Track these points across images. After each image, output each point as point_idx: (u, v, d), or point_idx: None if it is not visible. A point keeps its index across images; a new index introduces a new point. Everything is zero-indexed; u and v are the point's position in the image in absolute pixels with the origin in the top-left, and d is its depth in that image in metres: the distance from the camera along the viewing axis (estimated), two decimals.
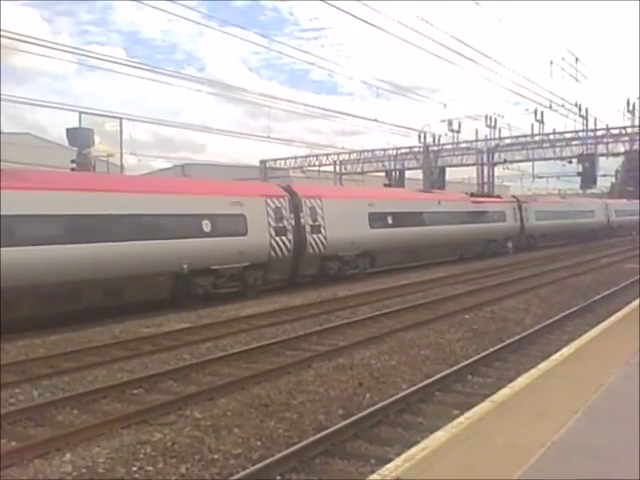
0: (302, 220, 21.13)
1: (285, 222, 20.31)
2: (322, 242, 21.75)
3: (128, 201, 16.19)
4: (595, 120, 45.19)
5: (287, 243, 20.30)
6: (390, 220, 25.49)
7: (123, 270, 15.52)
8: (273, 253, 19.77)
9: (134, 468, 6.46)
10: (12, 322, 13.27)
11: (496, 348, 11.48)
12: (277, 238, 19.93)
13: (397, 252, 25.94)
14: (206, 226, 17.73)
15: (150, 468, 6.47)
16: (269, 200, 20.09)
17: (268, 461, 6.42)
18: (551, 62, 36.56)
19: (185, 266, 16.90)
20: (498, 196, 39.38)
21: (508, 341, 12.06)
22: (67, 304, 15.01)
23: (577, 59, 37.84)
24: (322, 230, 21.80)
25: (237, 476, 6.08)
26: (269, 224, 19.72)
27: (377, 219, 24.70)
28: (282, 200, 20.58)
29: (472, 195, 35.85)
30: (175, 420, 8.05)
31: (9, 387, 9.63)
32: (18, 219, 13.78)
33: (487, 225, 33.17)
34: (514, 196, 39.95)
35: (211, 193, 19.01)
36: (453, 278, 23.70)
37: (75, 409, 8.66)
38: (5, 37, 20.28)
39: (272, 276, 20.25)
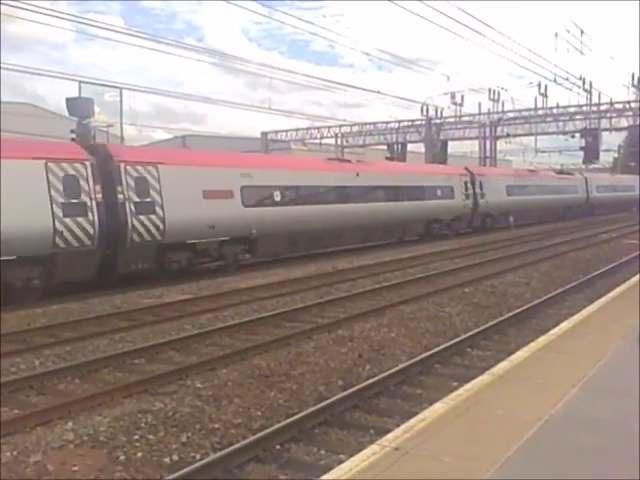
0: (471, 191, 32.12)
1: (469, 192, 31.92)
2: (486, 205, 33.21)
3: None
4: (599, 94, 44.87)
5: (469, 205, 31.86)
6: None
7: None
8: (464, 211, 31.26)
9: (135, 437, 6.52)
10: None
11: (495, 322, 11.53)
12: (467, 201, 31.79)
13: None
14: (439, 192, 29.62)
15: (151, 437, 6.53)
16: (462, 177, 31.63)
17: (268, 430, 6.49)
18: (556, 34, 36.19)
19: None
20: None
21: (507, 315, 12.10)
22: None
23: (582, 32, 37.45)
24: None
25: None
26: (462, 193, 31.30)
27: None
28: (467, 178, 32.05)
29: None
30: (176, 390, 8.12)
31: (10, 356, 9.70)
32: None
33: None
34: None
35: (436, 174, 31.20)
36: (454, 252, 23.73)
37: (76, 378, 8.73)
38: (2, 4, 19.96)
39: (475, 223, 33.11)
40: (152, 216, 16.50)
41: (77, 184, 15.01)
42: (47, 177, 14.48)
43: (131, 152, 18.35)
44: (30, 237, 13.84)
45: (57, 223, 14.40)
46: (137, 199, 16.29)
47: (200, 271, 17.99)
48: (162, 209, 16.70)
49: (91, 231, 15.05)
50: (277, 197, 20.50)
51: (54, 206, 14.42)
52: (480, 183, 33.16)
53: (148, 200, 16.53)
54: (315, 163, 25.43)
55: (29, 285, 14.16)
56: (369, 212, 24.40)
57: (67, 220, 14.58)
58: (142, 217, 16.25)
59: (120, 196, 15.95)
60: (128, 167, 16.31)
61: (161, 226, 16.64)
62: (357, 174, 24.61)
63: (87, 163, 15.42)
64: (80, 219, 14.84)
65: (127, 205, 16.02)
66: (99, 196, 15.39)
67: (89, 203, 15.15)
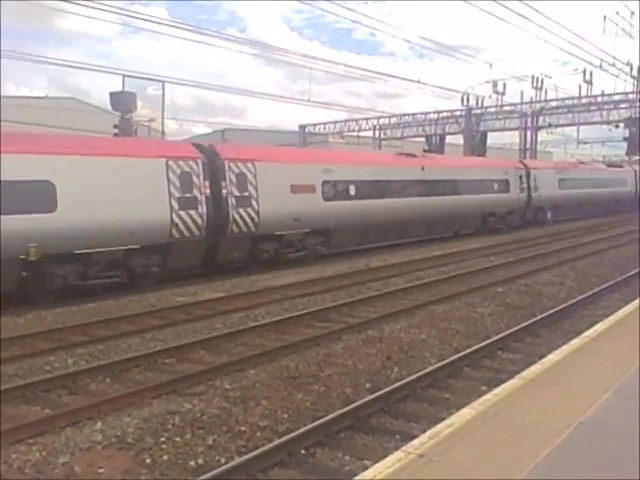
0: (525, 184, 32.37)
1: (524, 185, 32.21)
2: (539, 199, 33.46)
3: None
4: None
5: (523, 198, 32.14)
6: None
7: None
8: (518, 204, 31.72)
9: (162, 439, 6.58)
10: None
11: (528, 323, 11.33)
12: (521, 195, 32.07)
13: None
14: (496, 186, 30.09)
15: (178, 439, 6.58)
16: (518, 171, 32.10)
17: (294, 434, 6.48)
18: (605, 17, 34.90)
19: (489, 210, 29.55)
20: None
21: (540, 316, 11.87)
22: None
23: (632, 13, 35.92)
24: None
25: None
26: (517, 187, 31.61)
27: None
28: (522, 171, 32.36)
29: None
30: (204, 390, 8.17)
31: (45, 354, 9.91)
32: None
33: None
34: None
35: (494, 167, 31.40)
36: (488, 249, 23.40)
37: (108, 378, 8.85)
38: None
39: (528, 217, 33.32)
40: (249, 209, 17.86)
41: (190, 180, 16.39)
42: (167, 174, 15.89)
43: (233, 150, 19.31)
44: (151, 228, 15.36)
45: (174, 216, 15.83)
46: (237, 193, 17.64)
47: (285, 260, 19.19)
48: (257, 203, 18.04)
49: (200, 223, 16.44)
50: (352, 191, 21.46)
51: (172, 200, 15.82)
52: (534, 176, 33.21)
53: (246, 194, 17.88)
54: (386, 158, 26.28)
55: (148, 271, 15.62)
56: (432, 205, 25.10)
57: (182, 213, 16.01)
58: (241, 210, 17.65)
59: (224, 191, 17.35)
60: (231, 164, 17.66)
61: (256, 218, 17.99)
62: (422, 168, 25.39)
63: (199, 161, 16.81)
64: (192, 212, 16.26)
65: (229, 199, 17.40)
66: (207, 191, 16.82)
67: (199, 197, 16.55)
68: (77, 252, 14.01)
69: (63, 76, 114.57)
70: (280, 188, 18.80)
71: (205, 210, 16.57)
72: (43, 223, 13.36)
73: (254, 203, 17.95)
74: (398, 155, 26.90)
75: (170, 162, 15.97)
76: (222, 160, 17.51)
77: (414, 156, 26.86)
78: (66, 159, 14.11)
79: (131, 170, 15.15)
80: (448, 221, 27.02)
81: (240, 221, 17.62)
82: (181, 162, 16.29)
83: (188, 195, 16.22)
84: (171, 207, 15.77)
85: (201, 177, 16.61)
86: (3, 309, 12.36)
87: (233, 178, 17.56)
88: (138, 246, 15.07)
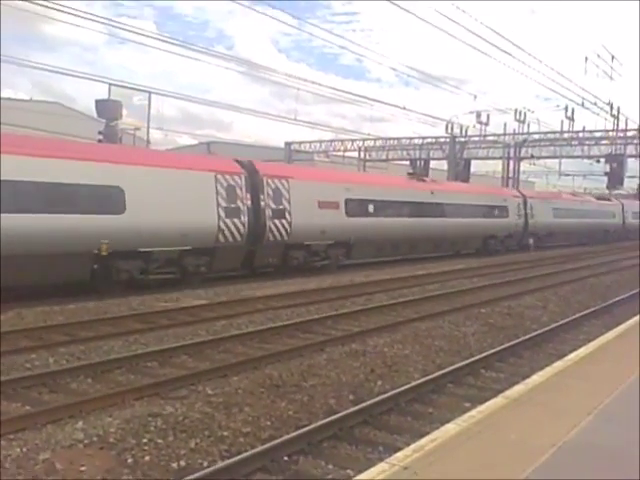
0: (522, 211, 35.07)
1: (521, 212, 34.89)
2: (535, 225, 36.13)
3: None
4: (626, 120, 44.38)
5: (521, 224, 34.87)
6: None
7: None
8: (515, 229, 34.54)
9: (144, 440, 6.51)
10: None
11: (511, 344, 11.39)
12: (519, 221, 34.75)
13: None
14: (497, 212, 32.68)
15: (160, 441, 6.52)
16: (516, 199, 35.07)
17: (277, 441, 6.45)
18: (586, 58, 35.79)
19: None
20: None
21: (523, 337, 11.95)
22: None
23: (613, 57, 36.97)
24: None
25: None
26: (515, 213, 34.48)
27: None
28: (520, 199, 35.37)
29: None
30: (187, 395, 8.12)
31: (25, 352, 9.81)
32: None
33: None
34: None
35: (495, 194, 34.59)
36: (472, 271, 23.59)
37: (89, 378, 8.78)
38: (38, 4, 20.34)
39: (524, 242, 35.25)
40: (283, 220, 20.06)
41: (235, 192, 18.55)
42: (216, 186, 17.96)
43: (270, 167, 21.83)
44: (202, 233, 17.41)
45: (221, 223, 17.90)
46: (273, 206, 19.90)
47: (311, 268, 21.36)
48: (290, 215, 20.27)
49: (242, 230, 18.58)
50: (370, 209, 23.97)
51: (219, 209, 17.84)
52: (530, 205, 36.22)
53: (281, 207, 20.13)
54: (399, 180, 28.90)
55: (197, 270, 17.65)
56: (440, 226, 27.68)
57: (227, 220, 18.13)
58: (276, 221, 19.88)
59: (262, 203, 19.52)
60: (269, 180, 19.92)
61: (288, 229, 20.24)
62: (432, 192, 28.10)
63: (242, 176, 19.00)
64: (235, 220, 18.40)
65: (266, 210, 19.55)
66: (248, 202, 18.98)
67: (242, 208, 18.71)
68: (140, 250, 15.92)
69: (48, 81, 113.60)
70: (309, 203, 21.04)
71: (246, 219, 18.73)
72: (113, 223, 15.11)
73: (287, 215, 20.20)
74: (410, 178, 29.70)
75: (218, 176, 18.08)
76: (261, 176, 19.71)
77: (424, 180, 29.86)
78: (134, 169, 16.14)
79: (186, 181, 17.18)
80: (453, 241, 29.45)
81: (275, 231, 19.84)
82: (227, 176, 18.45)
83: (233, 205, 18.38)
84: (218, 215, 17.81)
85: (243, 190, 18.81)
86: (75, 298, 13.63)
87: (270, 192, 19.78)
88: (190, 248, 17.06)
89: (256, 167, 19.93)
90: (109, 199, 15.30)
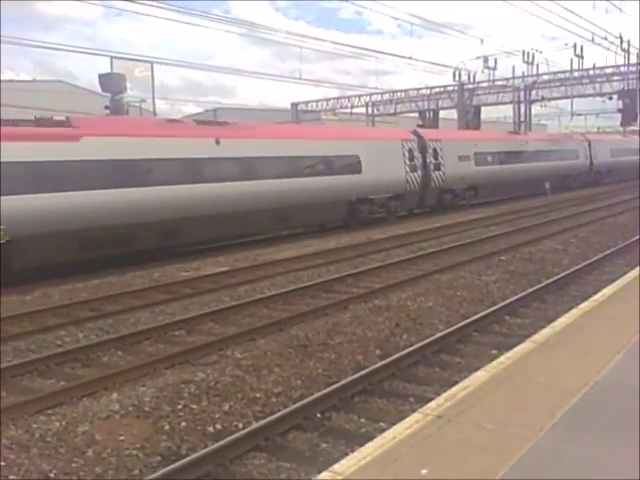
0: (588, 153, 40.81)
1: (587, 153, 40.69)
2: (597, 164, 42.17)
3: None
4: (638, 54, 43.31)
5: (587, 164, 41.03)
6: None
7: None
8: (583, 169, 40.63)
9: (179, 406, 6.65)
10: None
11: (534, 289, 11.39)
12: (586, 161, 40.53)
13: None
14: (572, 155, 39.06)
15: (195, 406, 6.65)
16: (584, 142, 41.34)
17: (309, 399, 6.55)
18: None
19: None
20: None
21: (546, 282, 11.94)
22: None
23: None
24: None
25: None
26: (584, 155, 40.77)
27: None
28: (586, 143, 41.26)
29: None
30: (217, 360, 8.23)
31: (55, 329, 9.95)
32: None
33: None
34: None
35: (571, 140, 41.00)
36: (488, 220, 23.46)
37: (120, 350, 8.91)
38: None
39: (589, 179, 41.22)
40: (439, 172, 26.72)
41: (413, 154, 25.34)
42: (402, 150, 24.86)
43: (429, 133, 28.71)
44: (398, 183, 24.35)
45: (407, 176, 24.80)
46: (434, 161, 26.50)
47: (457, 207, 27.74)
48: (443, 167, 26.84)
49: (418, 180, 25.40)
50: (489, 159, 30.35)
51: (406, 166, 24.78)
52: (594, 147, 41.90)
53: (438, 162, 26.69)
54: (504, 135, 35.24)
55: (396, 210, 24.69)
56: (536, 169, 33.89)
57: (410, 174, 24.98)
58: (436, 172, 26.54)
59: (427, 160, 26.17)
60: (430, 142, 26.51)
61: (443, 177, 26.88)
62: (526, 142, 35.13)
63: (414, 142, 25.81)
64: (415, 174, 25.24)
65: (430, 165, 26.23)
66: (420, 160, 25.70)
67: (417, 164, 25.48)
68: (369, 197, 22.82)
69: (49, 60, 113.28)
70: (454, 158, 27.49)
71: (420, 173, 25.51)
72: (356, 180, 21.97)
73: (442, 168, 26.81)
74: (510, 133, 36.86)
75: (403, 142, 25.09)
76: (425, 140, 26.35)
77: (518, 134, 37.46)
78: (368, 143, 23.43)
79: (388, 148, 24.13)
80: (544, 181, 34.44)
81: (435, 179, 26.55)
82: (408, 142, 25.37)
83: (412, 163, 25.17)
84: (406, 171, 24.72)
85: (416, 152, 25.59)
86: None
87: (431, 152, 26.41)
88: (392, 194, 23.91)
89: (421, 134, 26.89)
90: (352, 164, 22.14)
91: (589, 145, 41.62)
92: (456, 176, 27.50)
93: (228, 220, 17.33)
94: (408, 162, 24.88)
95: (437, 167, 26.56)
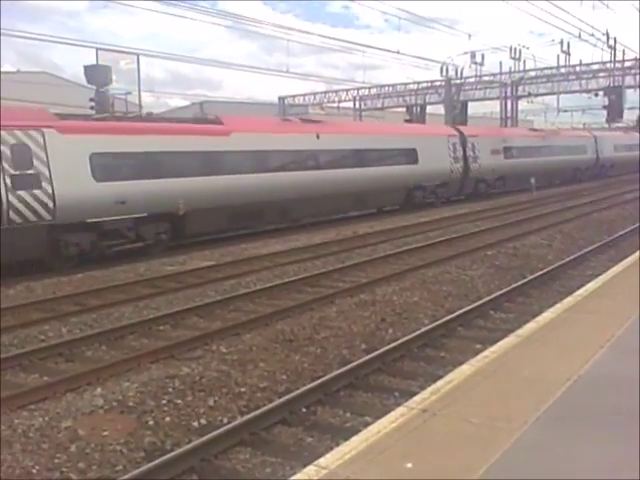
0: (595, 148, 44.78)
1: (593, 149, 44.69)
2: None
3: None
4: (624, 50, 43.57)
5: (594, 158, 44.36)
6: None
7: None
8: (591, 162, 44.04)
9: (163, 401, 6.62)
10: None
11: (519, 284, 11.45)
12: (593, 156, 44.54)
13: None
14: (582, 149, 43.02)
15: (179, 401, 6.62)
16: (589, 138, 45.06)
17: (294, 394, 6.55)
18: None
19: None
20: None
21: (531, 277, 12.01)
22: None
23: None
24: None
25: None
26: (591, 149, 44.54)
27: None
28: (591, 138, 44.96)
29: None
30: (202, 355, 8.20)
31: (38, 324, 9.86)
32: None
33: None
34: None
35: (580, 136, 45.11)
36: (474, 215, 23.54)
37: (104, 345, 8.85)
38: None
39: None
40: (475, 164, 30.22)
41: (456, 147, 29.05)
42: (447, 144, 28.61)
43: (468, 129, 32.16)
44: (444, 173, 27.90)
45: (451, 166, 28.44)
46: (472, 154, 30.11)
47: (488, 195, 30.91)
48: (479, 160, 30.52)
49: (460, 170, 29.07)
50: (515, 153, 34.08)
51: (449, 158, 28.39)
52: (600, 142, 45.33)
53: (475, 155, 30.33)
54: (527, 132, 39.72)
55: (440, 197, 27.91)
56: (555, 162, 37.88)
57: (454, 164, 28.69)
58: (473, 164, 30.12)
59: (467, 153, 29.88)
60: (468, 138, 30.17)
61: (479, 168, 30.43)
62: (544, 137, 38.77)
63: (457, 137, 29.58)
64: (457, 165, 28.86)
65: (469, 158, 29.84)
66: (461, 153, 29.38)
67: (459, 156, 29.11)
68: (423, 184, 26.42)
69: (34, 51, 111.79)
70: (486, 151, 31.23)
71: (461, 164, 29.15)
72: (414, 169, 25.91)
73: (478, 160, 30.42)
74: (531, 130, 41.57)
75: (448, 138, 28.95)
76: (465, 136, 30.11)
77: (538, 130, 41.94)
78: (423, 138, 27.22)
79: (437, 142, 27.93)
80: (558, 172, 39.35)
81: (473, 170, 30.00)
82: (451, 137, 29.16)
83: (455, 155, 28.83)
84: (449, 162, 28.25)
85: (458, 146, 29.31)
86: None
87: (470, 146, 30.02)
88: (439, 182, 27.46)
89: (462, 130, 30.87)
90: (411, 155, 25.78)
91: (595, 141, 44.93)
92: (489, 167, 31.32)
93: (324, 201, 21.07)
94: (452, 155, 28.80)
95: (474, 159, 30.45)
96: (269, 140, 19.69)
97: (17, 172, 13.40)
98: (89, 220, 14.58)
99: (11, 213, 13.21)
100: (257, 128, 20.01)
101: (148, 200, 15.76)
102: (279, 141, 20.01)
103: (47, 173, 13.86)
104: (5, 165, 13.23)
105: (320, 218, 22.21)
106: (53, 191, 13.84)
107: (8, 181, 13.23)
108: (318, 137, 21.42)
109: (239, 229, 19.17)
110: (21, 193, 13.35)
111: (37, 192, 13.64)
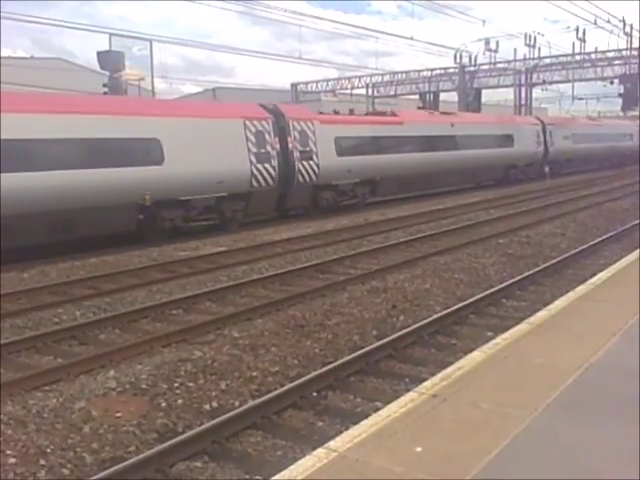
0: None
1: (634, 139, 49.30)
2: None
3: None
4: None
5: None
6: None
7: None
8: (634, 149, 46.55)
9: (175, 384, 6.68)
10: None
11: (531, 272, 11.40)
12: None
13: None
14: (623, 138, 47.82)
15: (191, 384, 6.68)
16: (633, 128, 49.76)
17: (305, 378, 6.58)
18: None
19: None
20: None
21: (543, 265, 11.96)
22: None
23: None
24: None
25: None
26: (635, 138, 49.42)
27: None
28: (636, 128, 49.31)
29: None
30: (214, 339, 8.26)
31: (52, 307, 9.96)
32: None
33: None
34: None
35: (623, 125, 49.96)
36: (487, 203, 23.44)
37: (117, 328, 8.93)
38: None
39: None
40: (553, 147, 35.32)
41: (539, 134, 34.66)
42: (534, 131, 34.02)
43: (547, 119, 36.73)
44: (531, 155, 33.84)
45: (535, 149, 34.29)
46: (550, 139, 35.54)
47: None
48: (555, 144, 35.84)
49: (541, 153, 34.34)
50: (580, 139, 38.75)
51: (535, 142, 34.33)
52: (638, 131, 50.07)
53: (552, 140, 35.58)
54: (588, 120, 45.08)
55: (528, 175, 33.24)
56: (604, 147, 42.16)
57: (538, 148, 34.26)
58: (552, 147, 35.44)
59: (547, 138, 35.23)
60: (548, 126, 35.32)
61: (555, 151, 35.59)
62: (600, 126, 44.04)
63: (539, 126, 34.81)
64: (539, 148, 34.50)
65: (548, 142, 35.28)
66: (542, 138, 34.83)
67: (541, 141, 34.48)
68: (515, 164, 32.40)
69: (47, 37, 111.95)
70: (560, 137, 36.39)
71: (542, 147, 34.61)
72: (510, 152, 31.66)
73: (555, 145, 35.84)
74: (590, 118, 47.04)
75: (534, 126, 34.19)
76: (545, 124, 35.26)
77: (596, 119, 47.48)
78: (517, 126, 33.31)
79: (526, 130, 33.30)
80: (605, 158, 43.20)
81: (551, 152, 34.92)
82: (536, 126, 34.46)
83: (539, 140, 34.32)
84: (535, 146, 34.03)
85: (540, 132, 34.49)
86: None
87: (549, 133, 35.31)
88: (526, 163, 33.16)
89: (542, 119, 35.71)
90: (509, 140, 30.87)
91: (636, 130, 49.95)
92: (562, 151, 36.33)
93: (453, 174, 26.95)
94: (536, 140, 33.91)
95: (552, 144, 35.38)
96: (427, 128, 26.05)
97: (302, 148, 19.80)
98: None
99: (299, 176, 19.58)
100: (419, 119, 26.81)
101: (364, 170, 22.10)
102: (432, 128, 26.27)
103: (315, 150, 20.16)
104: (296, 144, 19.52)
105: (446, 189, 27.89)
106: (318, 162, 20.08)
107: (297, 155, 19.51)
108: (452, 125, 27.62)
109: (404, 193, 25.24)
110: (304, 163, 19.78)
111: (312, 163, 20.04)
